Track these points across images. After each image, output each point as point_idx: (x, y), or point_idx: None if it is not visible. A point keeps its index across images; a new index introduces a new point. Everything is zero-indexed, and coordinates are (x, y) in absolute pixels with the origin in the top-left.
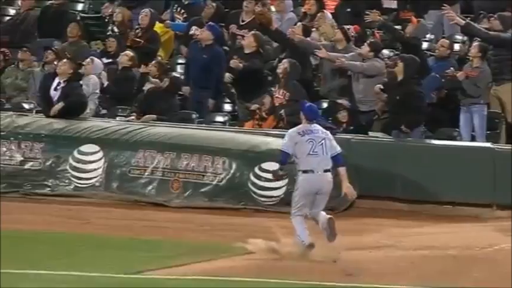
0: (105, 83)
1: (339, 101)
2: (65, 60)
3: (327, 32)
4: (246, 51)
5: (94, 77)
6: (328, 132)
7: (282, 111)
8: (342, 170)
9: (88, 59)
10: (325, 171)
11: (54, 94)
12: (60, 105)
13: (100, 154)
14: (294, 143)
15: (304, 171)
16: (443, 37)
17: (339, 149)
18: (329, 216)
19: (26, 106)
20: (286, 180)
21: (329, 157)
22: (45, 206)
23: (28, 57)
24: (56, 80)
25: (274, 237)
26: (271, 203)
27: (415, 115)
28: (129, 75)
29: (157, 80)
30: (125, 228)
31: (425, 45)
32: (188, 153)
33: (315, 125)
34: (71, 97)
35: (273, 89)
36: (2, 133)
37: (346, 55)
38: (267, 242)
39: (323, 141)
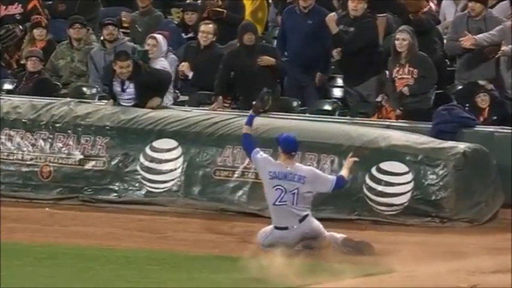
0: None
1: (480, 82)
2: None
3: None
4: (353, 14)
5: (164, 62)
6: (309, 173)
7: (406, 89)
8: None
9: (149, 40)
10: (301, 220)
11: (125, 94)
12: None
13: (178, 151)
14: (262, 166)
15: (278, 228)
16: None
17: (330, 180)
18: (342, 236)
19: (87, 91)
20: (411, 184)
21: (302, 206)
22: (110, 216)
23: (84, 34)
24: (118, 80)
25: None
26: (392, 212)
27: None
28: (213, 53)
29: None
30: (209, 243)
31: None
32: None
33: (297, 165)
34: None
35: (387, 71)
36: (57, 124)
37: (494, 33)
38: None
39: (295, 190)
